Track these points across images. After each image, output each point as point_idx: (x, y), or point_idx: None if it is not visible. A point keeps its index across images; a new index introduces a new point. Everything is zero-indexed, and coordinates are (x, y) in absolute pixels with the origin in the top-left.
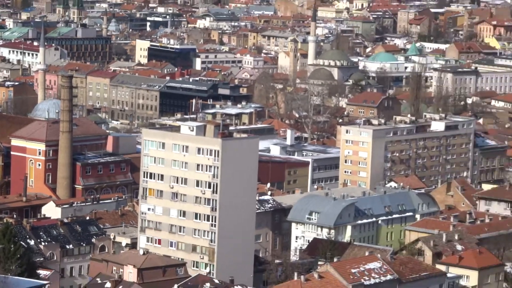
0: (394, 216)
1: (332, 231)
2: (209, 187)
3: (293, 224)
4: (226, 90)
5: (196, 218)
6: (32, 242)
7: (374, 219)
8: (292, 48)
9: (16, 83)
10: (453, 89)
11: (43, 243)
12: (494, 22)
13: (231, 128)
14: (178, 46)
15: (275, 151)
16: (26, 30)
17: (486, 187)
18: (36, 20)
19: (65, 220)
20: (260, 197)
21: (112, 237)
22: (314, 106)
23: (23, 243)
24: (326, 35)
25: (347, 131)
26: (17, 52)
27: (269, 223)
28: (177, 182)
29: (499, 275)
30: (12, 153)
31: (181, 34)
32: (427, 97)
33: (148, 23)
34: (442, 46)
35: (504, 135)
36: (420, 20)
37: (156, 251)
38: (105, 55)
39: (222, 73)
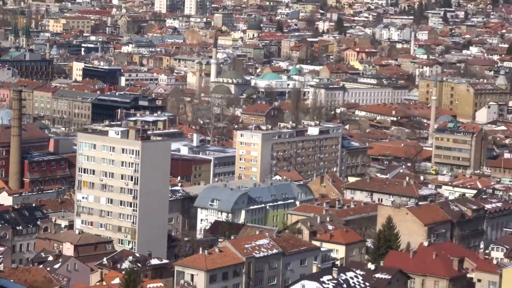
0: (279, 202)
1: (230, 215)
2: (131, 180)
3: (199, 209)
4: (145, 102)
5: (121, 204)
6: None
7: (263, 205)
8: (198, 69)
9: None
10: (325, 101)
11: None
12: (357, 49)
13: (149, 132)
14: (106, 67)
15: (184, 151)
16: None
17: (351, 179)
18: None
19: (16, 207)
20: (172, 188)
21: (53, 220)
22: (215, 115)
23: None
24: (225, 59)
25: (241, 135)
26: None
27: (179, 209)
28: (105, 176)
29: (362, 249)
30: None
31: (109, 57)
32: (305, 108)
33: (83, 49)
34: (317, 68)
35: (365, 138)
36: (299, 47)
37: (89, 231)
38: (48, 74)
39: (142, 88)
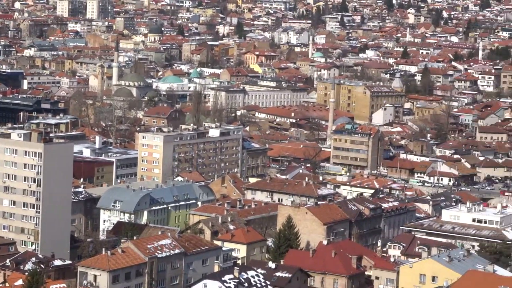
0: (181, 203)
1: (132, 215)
2: (34, 182)
3: (101, 210)
4: (48, 105)
5: (24, 206)
6: None
7: (165, 205)
8: (99, 72)
9: None
10: (226, 104)
11: None
12: (257, 53)
13: (51, 135)
14: (9, 70)
15: (87, 153)
16: None
17: (252, 180)
18: None
19: None
20: (75, 189)
21: None
22: (117, 117)
23: None
24: (127, 62)
25: (143, 137)
26: None
27: (82, 210)
28: (8, 178)
29: (263, 248)
30: None
31: (12, 60)
32: (206, 110)
33: None
34: (217, 71)
35: (265, 140)
36: (200, 51)
37: None
38: None
39: (44, 91)
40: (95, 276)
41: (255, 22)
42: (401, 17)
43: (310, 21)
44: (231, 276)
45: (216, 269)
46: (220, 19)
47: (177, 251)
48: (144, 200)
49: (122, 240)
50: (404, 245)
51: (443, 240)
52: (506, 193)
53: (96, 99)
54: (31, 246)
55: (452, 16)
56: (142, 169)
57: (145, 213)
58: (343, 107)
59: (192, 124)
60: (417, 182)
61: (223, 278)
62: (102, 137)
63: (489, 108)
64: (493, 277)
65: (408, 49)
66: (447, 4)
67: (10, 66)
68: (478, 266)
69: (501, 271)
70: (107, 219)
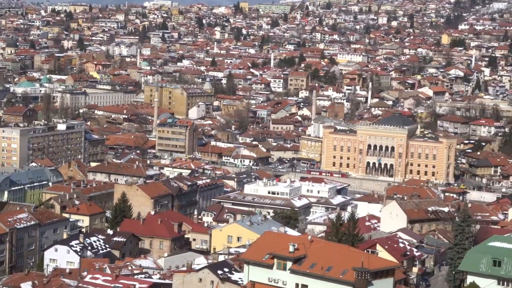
0: (35, 184)
1: None
2: None
3: None
4: None
5: None
6: None
7: (22, 186)
8: None
9: None
10: (71, 103)
11: None
12: (95, 62)
13: None
14: None
15: None
16: None
17: (93, 164)
18: None
19: None
20: None
21: None
22: None
23: None
24: None
25: (3, 131)
26: None
27: None
28: None
29: (102, 218)
30: None
31: None
32: (54, 109)
33: None
34: (63, 77)
35: (103, 132)
36: (49, 61)
37: None
38: None
39: None
40: None
41: (93, 38)
42: (209, 33)
43: (137, 37)
44: (77, 241)
45: (65, 236)
46: (64, 35)
47: (32, 222)
48: (5, 182)
49: None
50: (215, 213)
51: (246, 208)
52: (313, 172)
53: None
54: None
55: (249, 33)
56: (2, 157)
57: (6, 192)
58: (165, 105)
59: (43, 120)
60: (225, 163)
61: (70, 243)
62: None
63: (279, 105)
64: (285, 236)
65: (216, 59)
66: (245, 23)
67: None
68: (273, 228)
69: (290, 232)
70: None
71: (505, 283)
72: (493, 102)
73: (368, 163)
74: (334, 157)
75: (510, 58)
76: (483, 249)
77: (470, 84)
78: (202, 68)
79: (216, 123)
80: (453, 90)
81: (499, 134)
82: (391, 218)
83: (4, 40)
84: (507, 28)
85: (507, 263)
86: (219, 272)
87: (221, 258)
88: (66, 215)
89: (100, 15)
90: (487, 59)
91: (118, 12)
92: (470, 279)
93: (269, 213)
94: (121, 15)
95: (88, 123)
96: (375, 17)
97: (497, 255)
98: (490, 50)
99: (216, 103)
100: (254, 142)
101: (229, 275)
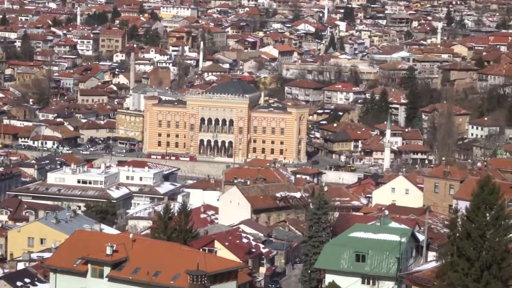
0: None
1: None
2: None
3: None
4: None
5: None
6: None
7: None
8: None
9: None
10: None
11: None
12: None
13: None
14: None
15: None
16: None
17: None
18: None
19: None
20: None
21: None
22: None
23: None
24: None
25: None
26: None
27: None
28: None
29: None
30: None
31: None
32: None
33: None
34: None
35: None
36: None
37: None
38: None
39: None
40: None
41: None
42: None
43: None
44: None
45: None
46: None
47: None
48: None
49: None
50: (11, 210)
51: (50, 202)
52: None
53: None
54: None
55: None
56: None
57: None
58: None
59: None
60: (22, 146)
61: None
62: None
63: (89, 72)
64: (100, 235)
65: (6, 16)
66: None
67: None
68: (85, 225)
69: (107, 229)
70: None
71: (371, 281)
72: (351, 62)
73: (202, 141)
74: (160, 135)
75: (370, 9)
76: (344, 241)
77: (323, 41)
78: None
79: (10, 97)
80: (302, 49)
81: (359, 101)
82: (232, 208)
83: None
84: None
85: (372, 257)
86: (19, 283)
87: (20, 266)
88: None
89: None
90: (342, 10)
91: None
92: (329, 278)
93: (79, 207)
94: None
95: None
96: None
97: (360, 248)
98: (345, 0)
99: (8, 71)
100: (59, 119)
101: (31, 286)
